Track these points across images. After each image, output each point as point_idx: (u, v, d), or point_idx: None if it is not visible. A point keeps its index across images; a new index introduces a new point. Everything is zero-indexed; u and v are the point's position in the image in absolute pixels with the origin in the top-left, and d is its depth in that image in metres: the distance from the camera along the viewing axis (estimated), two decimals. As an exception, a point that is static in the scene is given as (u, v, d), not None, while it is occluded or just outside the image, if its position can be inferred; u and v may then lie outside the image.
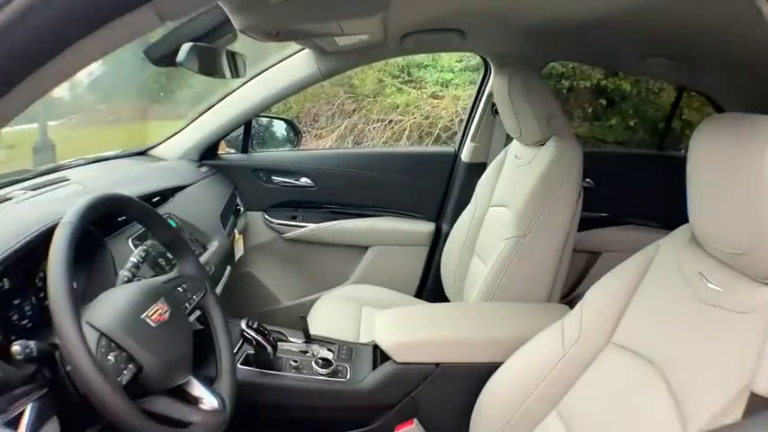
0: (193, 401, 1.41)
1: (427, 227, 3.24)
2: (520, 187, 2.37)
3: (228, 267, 2.40)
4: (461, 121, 6.35)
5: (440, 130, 6.63)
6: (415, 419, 1.92)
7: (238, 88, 2.85)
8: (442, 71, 6.91)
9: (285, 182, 3.13)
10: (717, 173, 1.33)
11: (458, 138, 3.36)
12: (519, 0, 2.07)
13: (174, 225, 2.08)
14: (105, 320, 1.24)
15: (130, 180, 2.27)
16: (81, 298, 1.50)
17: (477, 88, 3.25)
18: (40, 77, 0.78)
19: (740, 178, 1.24)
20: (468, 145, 3.21)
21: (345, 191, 3.20)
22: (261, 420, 1.92)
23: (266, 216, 3.13)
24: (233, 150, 3.16)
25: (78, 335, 1.10)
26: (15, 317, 1.38)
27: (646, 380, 1.45)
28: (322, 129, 6.84)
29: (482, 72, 3.21)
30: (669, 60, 2.41)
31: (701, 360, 1.33)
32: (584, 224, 2.47)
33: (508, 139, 2.97)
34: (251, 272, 3.15)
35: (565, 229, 2.28)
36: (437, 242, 3.22)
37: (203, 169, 2.83)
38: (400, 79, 6.95)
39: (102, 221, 1.69)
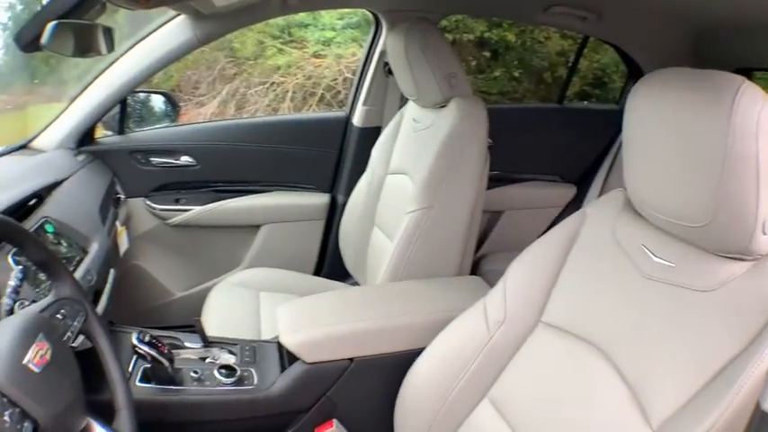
0: None
1: (321, 199, 3.08)
2: (421, 154, 2.23)
3: (112, 271, 2.17)
4: (345, 80, 6.28)
5: (323, 90, 6.48)
6: (334, 420, 1.79)
7: (113, 62, 2.57)
8: (323, 30, 6.74)
9: (165, 162, 2.88)
10: (666, 136, 1.21)
11: (348, 101, 3.17)
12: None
13: (50, 231, 1.86)
14: None
15: (5, 183, 1.99)
16: None
17: (367, 47, 3.07)
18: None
19: (699, 142, 1.13)
20: (360, 109, 3.03)
21: (230, 167, 2.98)
22: None
23: (148, 202, 2.88)
24: (110, 132, 2.88)
25: None
26: None
27: (589, 363, 1.36)
28: (203, 96, 6.61)
29: (372, 30, 3.03)
30: (573, 9, 2.36)
31: (654, 343, 1.25)
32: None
33: (403, 101, 2.81)
34: (138, 264, 2.91)
35: (473, 195, 2.16)
36: (333, 215, 3.08)
37: (81, 158, 2.54)
38: (281, 40, 6.73)
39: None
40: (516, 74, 6.43)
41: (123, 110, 2.79)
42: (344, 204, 2.86)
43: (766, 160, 1.07)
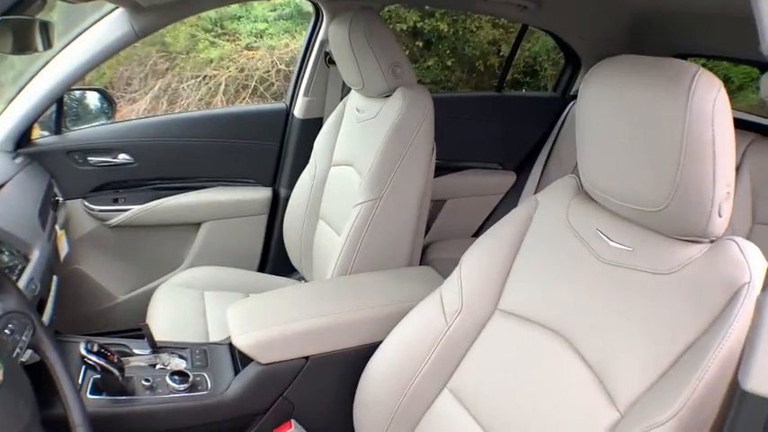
0: None
1: (263, 193, 3.02)
2: (367, 145, 2.20)
3: (55, 278, 2.10)
4: (278, 71, 6.23)
5: (256, 82, 6.48)
6: (292, 421, 1.76)
7: (49, 60, 2.47)
8: (255, 21, 6.72)
9: (102, 161, 2.78)
10: (621, 122, 1.22)
11: (288, 92, 3.11)
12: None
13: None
14: None
15: None
16: None
17: (307, 38, 3.01)
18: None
19: (656, 128, 1.14)
20: (300, 100, 2.98)
21: (169, 163, 2.90)
22: None
23: (86, 203, 2.78)
24: (46, 133, 2.77)
25: None
26: None
27: (550, 349, 1.38)
28: (135, 92, 6.51)
29: (312, 20, 2.98)
30: None
31: (615, 326, 1.27)
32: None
33: (344, 91, 2.80)
34: (79, 268, 2.82)
35: (421, 185, 2.15)
36: (276, 209, 3.03)
37: (18, 160, 2.44)
38: (213, 33, 6.71)
39: None
40: (449, 63, 6.49)
41: (60, 109, 2.70)
42: (287, 198, 2.81)
43: (721, 145, 1.10)
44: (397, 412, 1.59)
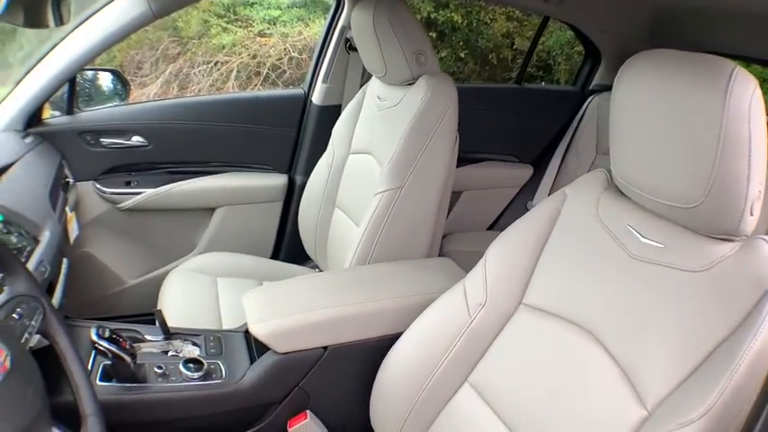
0: None
1: (279, 180, 2.98)
2: (389, 133, 2.16)
3: (65, 260, 2.06)
4: (291, 59, 6.19)
5: (268, 69, 6.43)
6: (308, 412, 1.73)
7: (61, 40, 2.42)
8: (269, 8, 6.67)
9: (115, 143, 2.74)
10: (657, 118, 1.20)
11: (307, 79, 3.06)
12: None
13: (0, 219, 1.72)
14: None
15: None
16: None
17: (327, 24, 2.97)
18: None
19: (692, 124, 1.13)
20: (319, 86, 2.94)
21: (184, 147, 2.86)
22: None
23: (98, 185, 2.74)
24: (57, 113, 2.72)
25: None
26: None
27: (576, 345, 1.35)
28: (146, 76, 6.47)
29: (333, 5, 2.93)
30: None
31: (644, 323, 1.26)
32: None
33: (364, 78, 2.76)
34: (89, 252, 2.78)
35: (444, 174, 2.10)
36: (292, 196, 2.98)
37: (28, 140, 2.40)
38: (226, 18, 6.65)
39: None
40: (462, 55, 6.44)
41: (72, 89, 2.64)
42: (303, 185, 2.75)
43: (757, 143, 1.10)
44: (415, 406, 1.56)
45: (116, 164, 2.77)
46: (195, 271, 2.53)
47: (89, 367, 1.63)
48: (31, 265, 1.67)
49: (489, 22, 6.47)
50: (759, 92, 1.11)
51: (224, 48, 6.53)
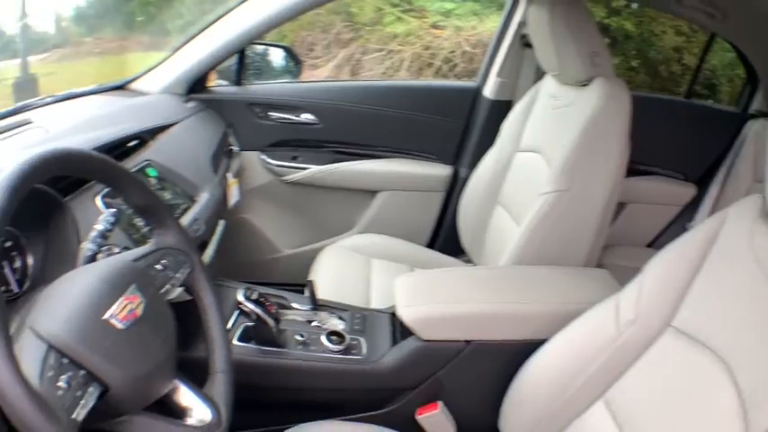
0: (181, 413, 1.13)
1: (444, 170, 2.95)
2: (560, 133, 2.09)
3: (222, 222, 2.12)
4: (464, 53, 6.17)
5: (441, 61, 6.39)
6: (439, 403, 1.71)
7: (231, 10, 2.52)
8: (443, 0, 6.66)
9: (284, 118, 2.81)
10: None
11: (480, 72, 3.02)
12: None
13: (153, 175, 1.78)
14: (55, 327, 0.92)
15: (103, 120, 1.94)
16: (37, 282, 1.21)
17: (504, 17, 2.92)
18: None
19: None
20: (492, 80, 2.89)
21: (353, 129, 2.89)
22: (262, 403, 1.67)
23: (263, 157, 2.83)
24: (225, 82, 2.82)
25: (4, 361, 0.79)
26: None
27: (709, 374, 1.26)
28: (318, 59, 6.61)
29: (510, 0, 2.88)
30: (704, 4, 2.30)
31: None
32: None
33: (538, 75, 2.66)
34: (247, 218, 2.88)
35: (611, 183, 2.01)
36: (454, 188, 2.94)
37: (190, 104, 2.49)
38: (400, 8, 6.67)
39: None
40: (634, 64, 6.25)
41: (242, 60, 2.74)
42: (467, 178, 2.72)
43: None
44: (546, 415, 1.52)
45: (283, 138, 2.84)
46: (350, 249, 2.57)
47: (229, 326, 1.68)
48: (184, 222, 1.72)
49: (659, 34, 6.26)
50: None
51: (397, 36, 6.55)
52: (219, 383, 1.24)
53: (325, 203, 2.96)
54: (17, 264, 1.25)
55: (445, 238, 2.99)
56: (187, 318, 1.28)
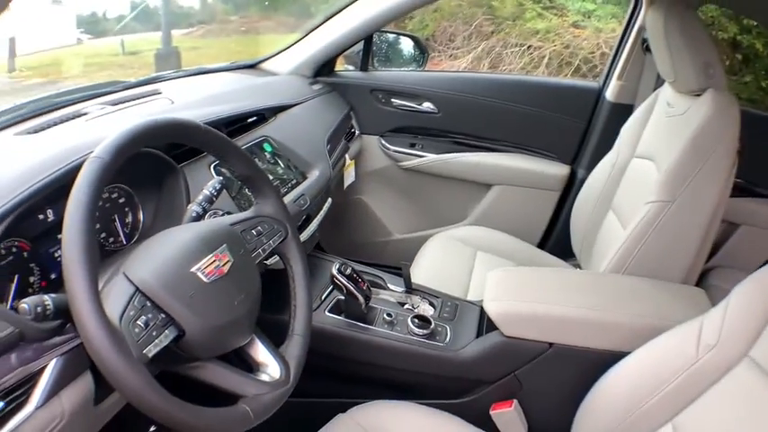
0: (255, 367, 1.22)
1: (561, 170, 2.91)
2: (671, 142, 2.04)
3: (329, 200, 2.20)
4: (603, 54, 6.07)
5: (580, 61, 6.34)
6: (514, 401, 1.72)
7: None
8: (584, 0, 6.60)
9: (406, 105, 2.87)
10: None
11: (603, 73, 2.98)
12: None
13: (268, 150, 1.89)
14: (145, 273, 1.03)
15: (228, 96, 2.05)
16: (144, 236, 1.35)
17: (626, 21, 2.88)
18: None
19: None
20: (614, 83, 2.83)
21: (472, 120, 2.90)
22: (341, 374, 1.77)
23: (383, 141, 2.90)
24: (351, 67, 2.91)
25: (87, 296, 0.89)
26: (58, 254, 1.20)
27: None
28: (458, 49, 6.64)
29: (632, 3, 2.83)
30: None
31: None
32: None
33: (658, 82, 2.62)
34: (362, 199, 2.97)
35: (715, 198, 1.94)
36: (570, 189, 2.90)
37: (316, 87, 2.59)
38: (541, 4, 6.67)
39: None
40: (764, 84, 5.98)
41: (368, 47, 2.81)
42: (584, 180, 2.67)
43: None
44: (617, 429, 1.49)
45: (403, 125, 2.90)
46: (458, 240, 2.58)
47: (322, 297, 1.79)
48: (291, 196, 1.82)
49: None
50: None
51: (537, 33, 6.54)
52: (295, 346, 1.31)
53: (439, 192, 2.99)
54: (129, 219, 1.41)
55: (556, 240, 2.97)
56: (281, 283, 1.39)
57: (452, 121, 2.90)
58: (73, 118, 1.55)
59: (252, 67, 2.69)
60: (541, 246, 2.97)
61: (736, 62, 6.07)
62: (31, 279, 1.16)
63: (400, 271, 1.91)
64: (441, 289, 2.00)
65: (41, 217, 1.19)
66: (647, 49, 2.66)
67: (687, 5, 2.12)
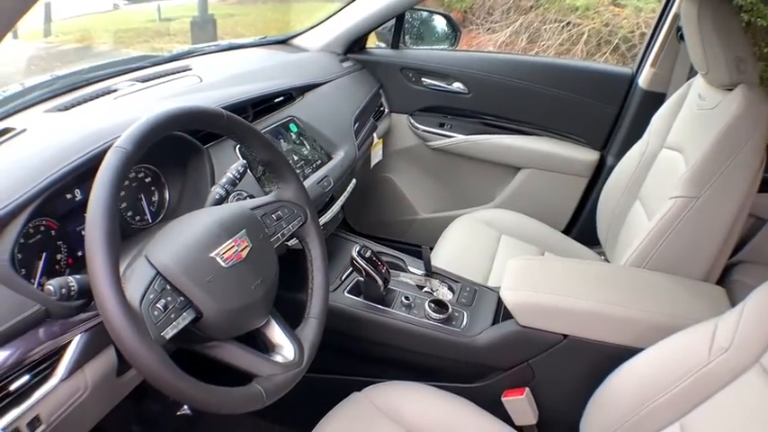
0: (270, 348, 1.26)
1: (590, 156, 2.87)
2: (699, 136, 2.02)
3: (353, 181, 2.21)
4: (642, 34, 5.99)
5: (619, 40, 6.27)
6: (526, 389, 1.74)
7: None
8: (625, -22, 6.49)
9: (435, 85, 2.86)
10: None
11: (637, 59, 2.92)
12: None
13: (294, 131, 1.91)
14: (166, 257, 1.07)
15: (257, 74, 2.07)
16: (169, 215, 1.40)
17: (661, 7, 2.81)
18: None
19: None
20: (647, 70, 2.78)
21: (502, 102, 2.88)
22: (358, 354, 1.81)
23: (412, 120, 2.90)
24: (383, 45, 2.90)
25: (108, 281, 0.93)
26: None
27: None
28: (496, 23, 6.57)
29: (668, -12, 2.76)
30: None
31: None
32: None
33: (692, 72, 2.58)
34: (390, 177, 2.97)
35: (741, 196, 1.91)
36: (599, 175, 2.87)
37: (346, 64, 2.60)
38: (581, -20, 6.56)
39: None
40: None
41: (400, 25, 2.80)
42: (613, 167, 2.64)
43: None
44: (625, 425, 1.49)
45: (433, 104, 2.89)
46: (483, 222, 2.59)
47: (342, 278, 1.82)
48: (315, 177, 1.85)
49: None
50: None
51: (577, 10, 6.47)
52: (310, 328, 1.35)
53: (467, 173, 2.98)
54: (155, 198, 1.44)
55: (582, 226, 2.94)
56: (301, 263, 1.42)
57: (482, 102, 2.88)
58: (102, 95, 1.59)
59: (283, 42, 2.70)
60: (567, 232, 2.95)
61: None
62: (59, 257, 1.20)
63: (430, 251, 1.93)
64: (462, 272, 2.02)
65: (69, 196, 1.23)
66: (682, 38, 2.62)
67: None
